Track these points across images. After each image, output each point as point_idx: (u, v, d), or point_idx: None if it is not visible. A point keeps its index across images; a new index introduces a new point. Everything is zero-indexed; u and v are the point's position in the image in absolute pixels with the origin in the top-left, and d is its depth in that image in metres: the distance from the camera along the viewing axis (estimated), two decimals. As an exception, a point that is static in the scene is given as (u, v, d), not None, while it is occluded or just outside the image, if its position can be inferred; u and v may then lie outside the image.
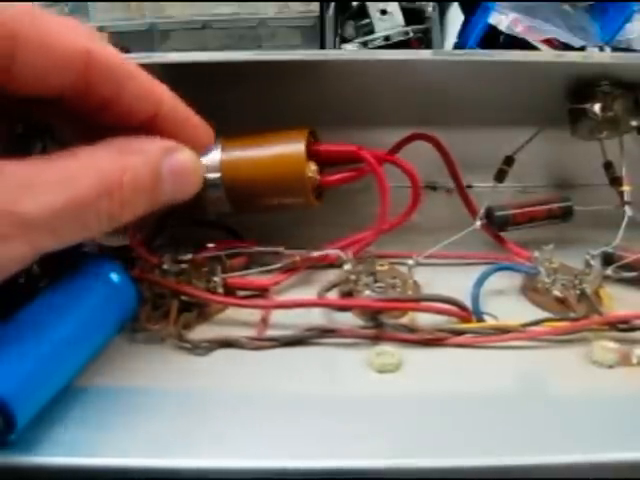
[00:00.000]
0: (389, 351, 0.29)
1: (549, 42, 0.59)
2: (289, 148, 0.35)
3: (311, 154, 0.36)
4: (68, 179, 0.23)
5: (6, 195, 0.22)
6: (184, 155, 0.26)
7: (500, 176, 0.39)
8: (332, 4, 0.58)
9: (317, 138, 0.38)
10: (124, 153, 0.24)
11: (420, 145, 0.41)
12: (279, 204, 0.36)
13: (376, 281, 0.34)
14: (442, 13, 0.61)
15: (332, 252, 0.35)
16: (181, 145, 0.26)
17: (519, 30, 0.57)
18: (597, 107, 0.36)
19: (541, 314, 0.32)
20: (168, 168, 0.25)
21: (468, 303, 0.32)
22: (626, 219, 0.35)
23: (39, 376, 0.25)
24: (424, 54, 0.37)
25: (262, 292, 0.35)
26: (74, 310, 0.28)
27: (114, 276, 0.30)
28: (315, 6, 0.57)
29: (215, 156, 0.35)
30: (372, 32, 0.58)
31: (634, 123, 0.37)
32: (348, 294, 0.34)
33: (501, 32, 0.57)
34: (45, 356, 0.26)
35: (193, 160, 0.27)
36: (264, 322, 0.32)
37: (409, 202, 0.38)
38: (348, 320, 0.32)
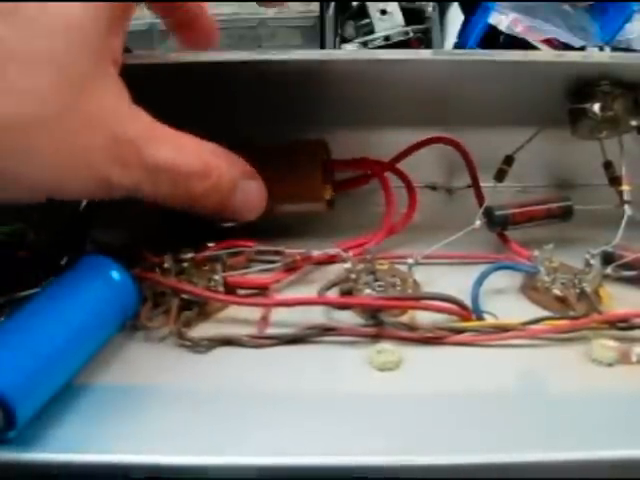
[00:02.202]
0: (389, 349, 0.29)
1: (549, 42, 0.59)
2: (308, 180, 0.38)
3: (325, 169, 0.38)
4: (183, 150, 0.29)
5: (142, 134, 0.27)
6: (258, 185, 0.32)
7: (500, 176, 0.39)
8: (332, 4, 0.58)
9: (328, 151, 0.39)
10: (218, 157, 0.30)
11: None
12: (294, 214, 0.39)
13: (376, 280, 0.34)
14: (442, 13, 0.61)
15: (332, 251, 0.36)
16: (257, 175, 0.32)
17: (519, 30, 0.57)
18: (597, 107, 0.36)
19: (541, 313, 0.32)
20: (243, 190, 0.31)
21: (468, 302, 0.32)
22: (626, 218, 0.35)
23: (40, 373, 0.25)
24: (424, 54, 0.37)
25: (262, 290, 0.35)
26: (75, 308, 0.28)
27: (115, 274, 0.30)
28: (315, 6, 0.57)
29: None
30: (372, 32, 0.58)
31: (634, 123, 0.37)
32: (348, 293, 0.34)
33: (501, 32, 0.57)
34: (46, 353, 0.26)
35: (263, 192, 0.32)
36: (265, 320, 0.32)
37: (406, 208, 0.39)
38: (348, 318, 0.32)
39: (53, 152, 0.25)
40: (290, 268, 0.35)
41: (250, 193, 0.32)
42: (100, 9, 0.26)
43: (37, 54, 0.24)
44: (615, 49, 0.69)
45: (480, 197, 0.39)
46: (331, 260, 0.36)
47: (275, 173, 0.37)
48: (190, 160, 0.29)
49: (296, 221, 0.40)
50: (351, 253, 0.35)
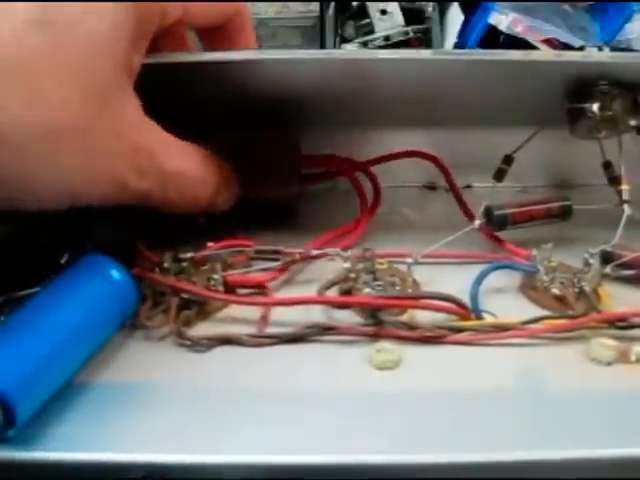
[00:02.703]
0: (389, 348, 0.30)
1: (549, 42, 0.59)
2: (277, 172, 0.39)
3: (294, 163, 0.39)
4: (191, 159, 0.31)
5: (157, 144, 0.29)
6: (236, 184, 0.36)
7: (499, 175, 0.39)
8: (332, 4, 0.58)
9: (299, 149, 0.40)
10: (216, 164, 0.33)
11: (420, 145, 0.41)
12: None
13: (375, 279, 0.34)
14: (442, 13, 0.61)
15: (332, 251, 0.36)
16: (235, 175, 0.35)
17: (519, 30, 0.57)
18: (595, 106, 0.36)
19: (540, 312, 0.32)
20: (226, 189, 0.35)
21: (467, 301, 0.32)
22: (625, 218, 0.35)
23: (40, 372, 0.25)
24: (424, 54, 0.37)
25: (260, 288, 0.35)
26: (75, 307, 0.28)
27: (115, 273, 0.30)
28: (315, 6, 0.57)
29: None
30: (372, 32, 0.58)
31: (633, 123, 0.37)
32: (347, 292, 0.34)
33: (501, 32, 0.57)
34: (46, 352, 0.26)
35: (238, 189, 0.36)
36: (264, 319, 0.32)
37: (371, 204, 0.40)
38: (348, 318, 0.32)
39: (81, 161, 0.27)
40: (288, 266, 0.36)
41: (230, 192, 0.35)
42: (125, 27, 0.27)
43: (68, 66, 0.25)
44: (615, 49, 0.68)
45: (462, 203, 0.40)
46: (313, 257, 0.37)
47: (246, 164, 0.38)
48: (197, 170, 0.31)
49: (291, 222, 0.40)
50: (350, 252, 0.35)
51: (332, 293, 0.34)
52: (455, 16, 0.62)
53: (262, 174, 0.39)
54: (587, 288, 0.33)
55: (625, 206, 0.36)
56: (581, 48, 0.61)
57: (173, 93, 0.36)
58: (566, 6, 0.68)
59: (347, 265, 0.34)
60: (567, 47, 0.61)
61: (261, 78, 0.36)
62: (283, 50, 0.36)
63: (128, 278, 0.30)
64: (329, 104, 0.39)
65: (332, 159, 0.41)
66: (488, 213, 0.37)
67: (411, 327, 0.31)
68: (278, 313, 0.33)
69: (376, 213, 0.40)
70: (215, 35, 0.36)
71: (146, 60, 0.34)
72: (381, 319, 0.31)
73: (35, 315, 0.27)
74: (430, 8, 0.59)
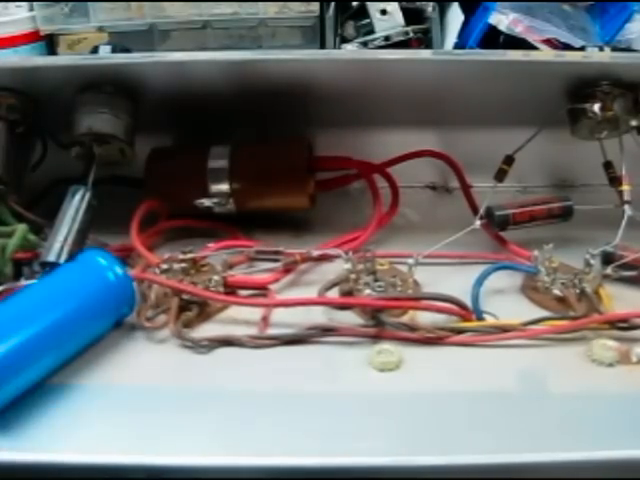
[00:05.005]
0: (389, 349, 0.29)
1: (549, 42, 0.59)
2: (291, 176, 0.39)
3: (309, 167, 0.39)
4: None
5: None
6: None
7: (500, 175, 0.38)
8: (332, 4, 0.57)
9: (312, 148, 0.39)
10: None
11: (419, 146, 0.41)
12: (279, 209, 0.40)
13: (376, 280, 0.34)
14: (442, 13, 0.61)
15: (332, 251, 0.36)
16: None
17: (519, 30, 0.57)
18: (597, 107, 0.36)
19: (541, 313, 0.32)
20: None
21: (468, 302, 0.32)
22: (626, 218, 0.35)
23: (21, 361, 0.26)
24: (424, 54, 0.37)
25: (261, 290, 0.35)
26: (66, 302, 0.28)
27: (111, 273, 0.30)
28: (315, 6, 0.57)
29: (224, 164, 0.38)
30: (372, 32, 0.57)
31: (634, 123, 0.37)
32: (348, 293, 0.34)
33: (501, 32, 0.57)
34: (29, 337, 0.26)
35: None
36: (265, 321, 0.32)
37: (390, 205, 0.40)
38: (349, 319, 0.32)
39: None
40: (289, 268, 0.35)
41: None
42: None
43: None
44: (615, 49, 0.68)
45: (472, 202, 0.40)
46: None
47: (260, 170, 0.38)
48: None
49: (296, 223, 0.40)
50: (351, 253, 0.35)
51: (333, 294, 0.34)
52: (455, 16, 0.61)
53: (277, 172, 0.39)
54: (588, 289, 0.32)
55: (626, 207, 0.36)
56: (582, 48, 0.61)
57: (179, 90, 0.36)
58: (566, 6, 0.67)
59: (348, 266, 0.34)
60: (567, 47, 0.61)
61: (260, 78, 0.36)
62: (283, 50, 0.36)
63: (124, 274, 0.30)
64: (325, 104, 0.39)
65: (348, 161, 0.41)
66: (489, 213, 0.37)
67: (412, 328, 0.31)
68: (279, 314, 0.32)
69: (393, 217, 0.40)
70: None
71: (150, 59, 0.34)
72: (382, 320, 0.31)
73: (27, 306, 0.28)
74: (430, 8, 0.59)
